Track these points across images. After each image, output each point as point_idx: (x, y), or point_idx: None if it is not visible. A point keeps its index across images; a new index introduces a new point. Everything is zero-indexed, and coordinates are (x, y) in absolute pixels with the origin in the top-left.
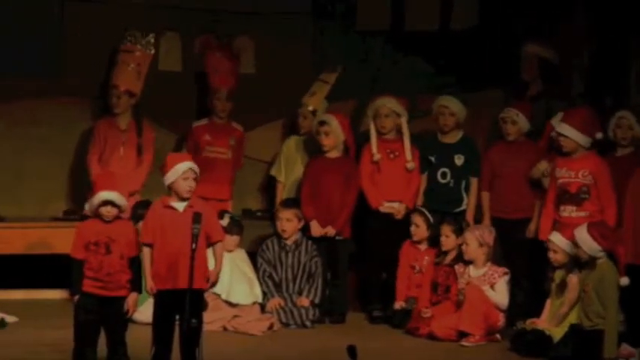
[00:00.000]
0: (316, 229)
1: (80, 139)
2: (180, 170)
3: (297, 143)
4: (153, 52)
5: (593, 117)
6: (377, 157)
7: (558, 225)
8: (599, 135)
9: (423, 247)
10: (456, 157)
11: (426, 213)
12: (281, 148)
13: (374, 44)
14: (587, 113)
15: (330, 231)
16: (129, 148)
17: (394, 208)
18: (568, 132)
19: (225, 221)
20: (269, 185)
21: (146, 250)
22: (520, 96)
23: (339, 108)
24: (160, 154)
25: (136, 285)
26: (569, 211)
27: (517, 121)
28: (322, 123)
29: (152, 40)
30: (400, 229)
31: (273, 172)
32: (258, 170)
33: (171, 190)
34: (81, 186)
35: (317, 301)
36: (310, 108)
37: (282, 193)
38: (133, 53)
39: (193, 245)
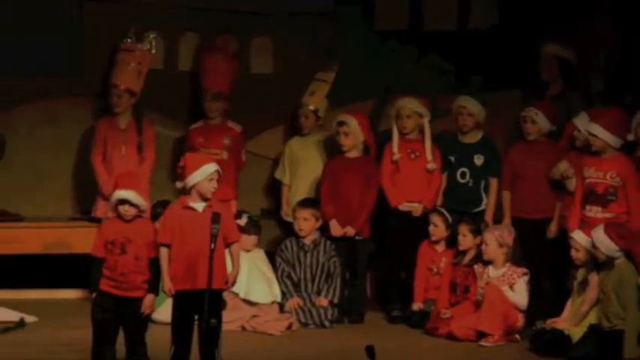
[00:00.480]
0: (336, 229)
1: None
2: (207, 172)
3: (300, 144)
4: (153, 51)
5: (624, 118)
6: (397, 156)
7: (583, 224)
8: (630, 137)
9: (441, 248)
10: (475, 157)
11: (445, 213)
12: (283, 149)
13: (392, 44)
14: (618, 114)
15: (350, 231)
16: (130, 147)
17: (413, 206)
18: (599, 132)
19: (242, 221)
20: (276, 186)
21: (163, 251)
22: (540, 96)
23: (358, 108)
24: (169, 154)
25: (154, 286)
26: (594, 212)
27: (537, 121)
28: (341, 123)
29: (153, 40)
30: (420, 228)
31: (277, 175)
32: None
33: (191, 191)
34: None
35: (336, 300)
36: (312, 107)
37: (287, 196)
38: (133, 52)
39: (212, 245)
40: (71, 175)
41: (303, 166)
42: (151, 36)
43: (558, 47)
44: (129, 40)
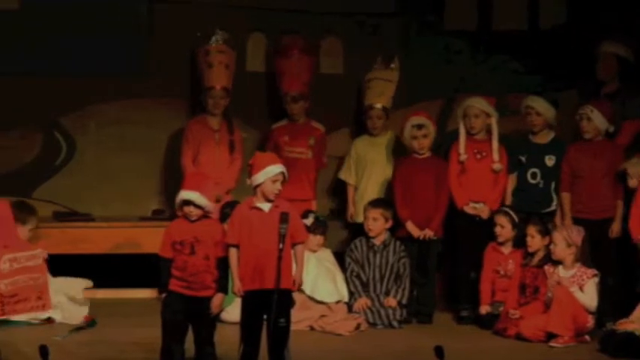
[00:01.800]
0: (414, 230)
1: (167, 139)
2: (272, 173)
3: (366, 144)
4: (236, 51)
5: None
6: (463, 157)
7: None
8: None
9: (507, 249)
10: (546, 157)
11: (511, 213)
12: (349, 150)
13: (461, 44)
14: None
15: (429, 233)
16: (222, 148)
17: (477, 209)
18: None
19: (309, 221)
20: (343, 188)
21: (232, 251)
22: (595, 95)
23: (426, 107)
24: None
25: (222, 286)
26: None
27: (592, 118)
28: (420, 126)
29: (232, 40)
30: (489, 228)
31: (342, 176)
32: None
33: (256, 190)
34: (168, 185)
35: (404, 301)
36: (380, 106)
37: (353, 196)
38: (224, 53)
39: (281, 245)
40: (140, 175)
41: (369, 167)
42: (228, 36)
43: (619, 46)
44: (218, 40)
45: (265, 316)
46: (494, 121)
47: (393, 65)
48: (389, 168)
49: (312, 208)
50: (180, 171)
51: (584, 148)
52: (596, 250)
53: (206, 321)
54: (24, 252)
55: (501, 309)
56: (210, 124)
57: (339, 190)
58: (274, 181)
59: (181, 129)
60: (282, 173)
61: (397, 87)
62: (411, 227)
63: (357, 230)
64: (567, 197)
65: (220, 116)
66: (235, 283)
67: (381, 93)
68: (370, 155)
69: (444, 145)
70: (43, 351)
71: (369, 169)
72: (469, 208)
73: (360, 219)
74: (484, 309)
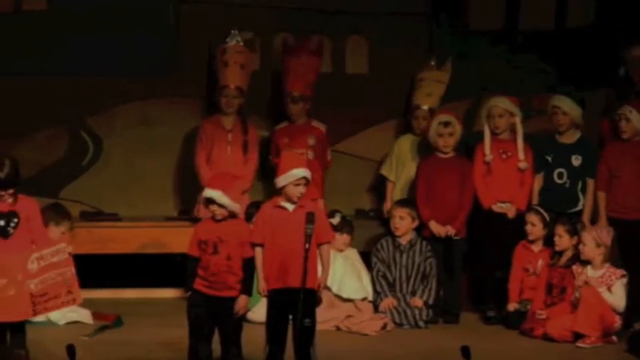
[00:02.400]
0: (437, 229)
1: (193, 139)
2: (294, 177)
3: (410, 143)
4: (256, 52)
5: None
6: (489, 157)
7: None
8: None
9: (537, 248)
10: (573, 157)
11: (542, 212)
12: (392, 147)
13: (487, 44)
14: None
15: (450, 230)
16: (236, 147)
17: (503, 208)
18: None
19: (335, 220)
20: (381, 185)
21: (258, 250)
22: (627, 95)
23: (452, 108)
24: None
25: (247, 286)
26: None
27: (630, 119)
28: (447, 124)
29: (253, 40)
30: (514, 228)
31: (383, 171)
32: (370, 170)
33: (281, 191)
34: (194, 185)
35: (431, 301)
36: (426, 107)
37: (392, 192)
38: (241, 53)
39: (307, 245)
40: (166, 175)
41: (409, 165)
42: (250, 36)
43: None
44: (234, 40)
45: (291, 316)
46: (518, 121)
47: (446, 68)
48: None
49: (337, 210)
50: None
51: (622, 148)
52: (627, 250)
53: (231, 321)
54: (49, 248)
55: (529, 307)
56: (224, 123)
57: (369, 190)
58: (296, 185)
59: None
60: (305, 177)
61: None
62: (433, 226)
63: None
64: (603, 196)
65: (234, 116)
66: (260, 282)
67: (429, 94)
68: (411, 155)
69: (468, 145)
70: (70, 350)
71: (407, 168)
72: (496, 207)
73: None
74: (512, 306)
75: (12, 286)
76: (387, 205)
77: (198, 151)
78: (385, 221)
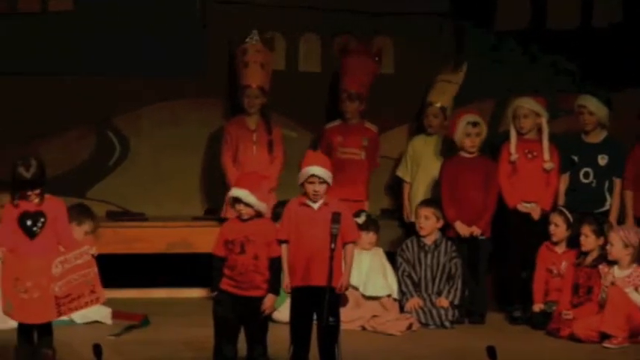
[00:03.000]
0: (463, 229)
1: (220, 139)
2: (305, 175)
3: (424, 142)
4: (274, 51)
5: None
6: (514, 157)
7: None
8: None
9: (561, 249)
10: (599, 157)
11: (566, 212)
12: (406, 147)
13: (513, 43)
14: None
15: (476, 230)
16: (261, 147)
17: (528, 208)
18: None
19: (361, 219)
20: (397, 186)
21: (284, 247)
22: None
23: (478, 107)
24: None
25: (274, 286)
26: None
27: None
28: (475, 124)
29: (274, 40)
30: (539, 228)
31: (399, 173)
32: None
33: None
34: (221, 185)
35: (456, 302)
36: (438, 105)
37: (409, 194)
38: (261, 52)
39: (332, 245)
40: (193, 175)
41: (423, 165)
42: (272, 36)
43: None
44: (254, 40)
45: (315, 316)
46: (544, 121)
47: (460, 69)
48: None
49: (364, 209)
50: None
51: None
52: None
53: (257, 321)
54: (73, 252)
55: (554, 308)
56: (247, 124)
57: (391, 190)
58: (310, 183)
59: None
60: (314, 175)
61: (460, 90)
62: (459, 226)
63: (413, 229)
64: (630, 196)
65: (257, 115)
66: (285, 278)
67: (442, 92)
68: (425, 154)
69: (494, 145)
70: (97, 350)
71: (422, 167)
72: (521, 207)
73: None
74: (537, 307)
75: (36, 289)
76: (406, 208)
77: (223, 152)
78: (405, 224)
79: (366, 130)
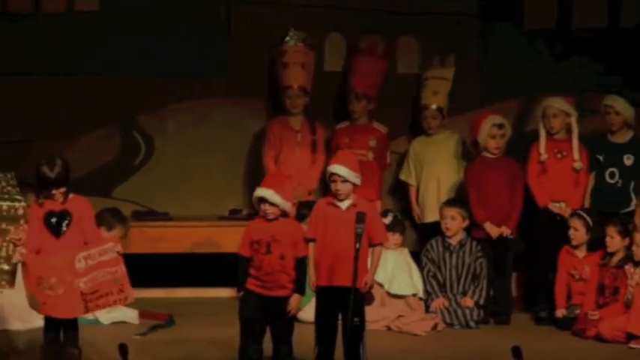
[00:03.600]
0: (493, 230)
1: (245, 138)
2: (327, 173)
3: (424, 143)
4: (314, 51)
5: None
6: (544, 157)
7: None
8: None
9: (582, 253)
10: (625, 157)
11: (585, 216)
12: (408, 150)
13: (540, 43)
14: None
15: (506, 231)
16: (304, 148)
17: (556, 207)
18: None
19: (387, 219)
20: (402, 189)
21: (311, 246)
22: None
23: (505, 107)
24: None
25: (300, 286)
26: None
27: None
28: (501, 126)
29: (310, 40)
30: (567, 228)
31: (402, 177)
32: None
33: None
34: (246, 185)
35: (482, 302)
36: (434, 107)
37: (415, 196)
38: (300, 52)
39: (357, 245)
40: (218, 174)
41: (428, 166)
42: (308, 36)
43: None
44: (293, 40)
45: (340, 316)
46: (573, 121)
47: (449, 65)
48: (448, 166)
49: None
50: (261, 171)
51: None
52: None
53: (283, 321)
54: (96, 248)
55: (577, 312)
56: (292, 124)
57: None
58: (332, 182)
59: (260, 129)
60: (334, 174)
61: (452, 86)
62: (489, 227)
63: (426, 230)
64: None
65: (301, 116)
66: (311, 276)
67: (435, 92)
68: (428, 155)
69: (521, 144)
70: (123, 350)
71: (427, 168)
72: (552, 207)
73: (427, 219)
74: (560, 312)
75: (61, 285)
76: (415, 210)
77: (266, 151)
78: (417, 226)
79: (374, 130)
